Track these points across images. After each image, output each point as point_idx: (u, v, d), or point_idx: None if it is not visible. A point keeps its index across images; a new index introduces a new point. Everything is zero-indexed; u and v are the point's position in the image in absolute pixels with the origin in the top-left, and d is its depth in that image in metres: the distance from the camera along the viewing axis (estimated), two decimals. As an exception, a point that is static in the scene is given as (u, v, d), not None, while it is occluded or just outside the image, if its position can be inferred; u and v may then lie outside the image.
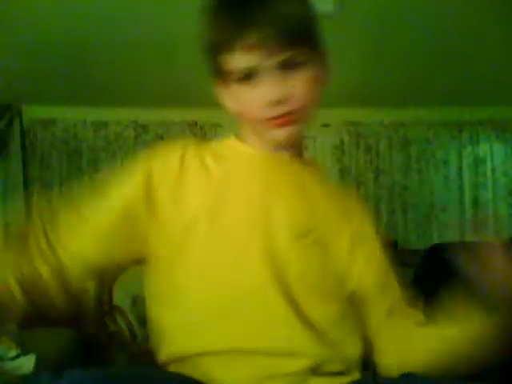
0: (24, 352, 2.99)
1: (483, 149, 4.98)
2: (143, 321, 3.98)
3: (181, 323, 0.90)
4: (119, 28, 3.23)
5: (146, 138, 4.84)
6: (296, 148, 0.99)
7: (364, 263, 0.97)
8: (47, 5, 2.92)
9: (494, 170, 4.94)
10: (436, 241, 4.70)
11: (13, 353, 2.93)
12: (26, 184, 4.71)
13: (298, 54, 0.87)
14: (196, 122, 4.79)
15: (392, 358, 0.98)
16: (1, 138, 4.56)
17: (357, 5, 2.94)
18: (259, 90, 0.88)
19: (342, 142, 4.91)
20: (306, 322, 0.88)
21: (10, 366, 2.88)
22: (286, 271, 0.89)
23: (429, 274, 3.93)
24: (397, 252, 4.36)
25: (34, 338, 3.54)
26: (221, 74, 0.92)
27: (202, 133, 4.82)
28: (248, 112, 0.91)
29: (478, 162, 4.97)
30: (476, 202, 4.94)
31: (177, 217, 0.92)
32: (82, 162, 4.82)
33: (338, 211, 0.99)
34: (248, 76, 0.88)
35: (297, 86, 0.88)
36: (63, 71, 3.83)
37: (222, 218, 0.91)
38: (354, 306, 0.96)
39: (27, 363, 2.92)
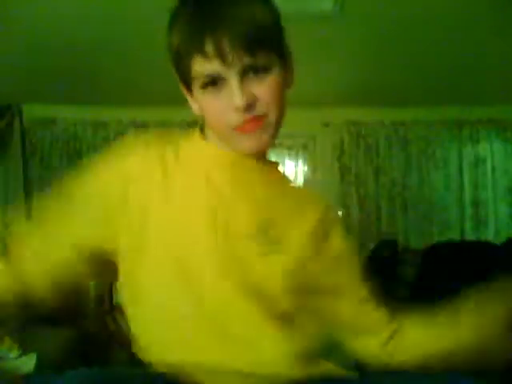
0: (25, 352, 3.00)
1: (483, 148, 4.98)
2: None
3: (146, 325, 0.92)
4: (120, 27, 3.23)
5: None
6: (260, 152, 0.95)
7: (321, 260, 0.97)
8: (47, 4, 2.92)
9: (494, 169, 4.95)
10: (436, 240, 4.71)
11: (14, 353, 2.94)
12: (27, 184, 4.72)
13: (262, 58, 0.84)
14: (196, 122, 4.78)
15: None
16: (1, 137, 4.56)
17: (356, 5, 2.94)
18: (223, 96, 0.85)
19: (342, 141, 4.91)
20: (268, 316, 0.88)
21: (11, 365, 2.88)
22: (243, 267, 0.88)
23: (429, 273, 3.94)
24: (397, 251, 4.37)
25: (35, 338, 3.55)
26: (185, 80, 0.90)
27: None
28: (214, 120, 0.90)
29: (478, 161, 4.97)
30: (476, 201, 4.94)
31: (136, 215, 0.91)
32: (82, 162, 4.80)
33: (295, 209, 0.97)
34: (211, 83, 0.85)
35: (262, 91, 0.86)
36: (63, 71, 3.83)
37: (176, 215, 0.90)
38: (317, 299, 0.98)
39: (28, 363, 2.93)
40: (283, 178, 1.04)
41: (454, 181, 4.96)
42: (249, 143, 0.89)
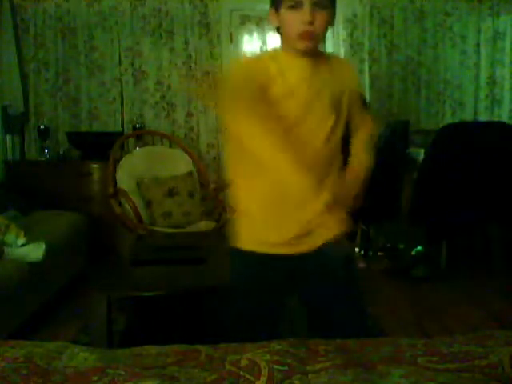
0: (32, 239, 2.98)
1: (503, 22, 4.72)
2: (148, 203, 3.99)
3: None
4: None
5: (142, 11, 4.55)
6: (314, 52, 1.58)
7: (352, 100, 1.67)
8: None
9: (513, 45, 4.70)
10: (449, 120, 4.57)
11: (21, 240, 2.92)
12: (21, 64, 4.50)
13: (324, 0, 1.49)
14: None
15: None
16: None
17: None
18: (299, 15, 1.47)
19: (355, 15, 4.59)
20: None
21: (18, 253, 2.87)
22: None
23: (439, 154, 3.86)
24: (408, 132, 4.24)
25: (41, 223, 3.54)
26: (276, 3, 1.52)
27: (203, 4, 4.54)
28: (288, 29, 1.51)
29: (496, 36, 4.73)
30: (492, 80, 4.76)
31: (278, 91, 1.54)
32: (77, 40, 4.57)
33: (341, 78, 1.63)
34: (293, 6, 1.48)
35: (319, 18, 1.48)
36: None
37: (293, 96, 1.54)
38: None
39: (36, 251, 2.91)
40: (329, 59, 1.67)
41: (471, 58, 4.75)
42: (305, 45, 1.51)
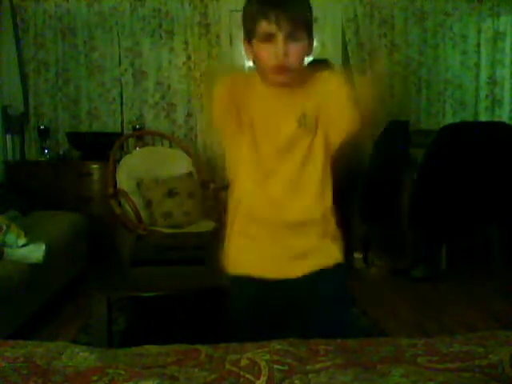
0: (32, 240, 2.97)
1: (503, 22, 4.72)
2: (148, 203, 3.98)
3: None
4: None
5: (142, 11, 4.55)
6: (292, 78, 1.46)
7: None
8: None
9: (513, 45, 4.70)
10: (449, 121, 4.57)
11: (22, 240, 2.92)
12: (22, 65, 4.50)
13: (299, 31, 1.38)
14: (197, -5, 4.51)
15: None
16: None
17: None
18: (272, 47, 1.38)
19: (356, 15, 4.59)
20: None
21: (19, 254, 2.86)
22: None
23: (440, 154, 3.86)
24: (408, 132, 4.24)
25: (41, 223, 3.54)
26: (249, 35, 1.42)
27: (203, 4, 4.54)
28: (262, 63, 1.42)
29: (497, 36, 4.73)
30: (492, 80, 4.75)
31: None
32: (77, 40, 4.57)
33: (317, 97, 1.49)
34: (267, 38, 1.38)
35: (294, 51, 1.39)
36: None
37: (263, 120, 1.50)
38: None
39: (36, 252, 2.90)
40: (310, 79, 1.51)
41: (471, 58, 4.75)
42: (279, 79, 1.43)
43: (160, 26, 4.56)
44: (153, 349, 1.22)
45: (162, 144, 4.48)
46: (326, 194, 1.50)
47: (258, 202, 1.49)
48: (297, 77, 1.45)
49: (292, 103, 1.49)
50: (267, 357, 1.13)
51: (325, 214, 1.49)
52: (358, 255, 4.29)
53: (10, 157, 4.53)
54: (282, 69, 1.39)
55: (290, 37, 1.37)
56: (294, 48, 1.38)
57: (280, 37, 1.36)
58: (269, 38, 1.37)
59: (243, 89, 1.49)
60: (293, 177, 1.47)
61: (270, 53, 1.38)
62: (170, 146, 4.41)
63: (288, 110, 1.48)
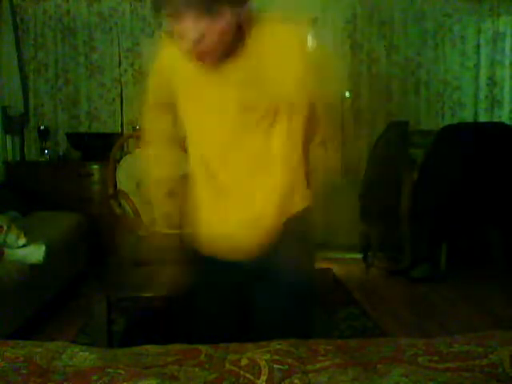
0: (32, 240, 2.97)
1: (503, 23, 4.73)
2: (148, 204, 3.96)
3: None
4: None
5: (142, 12, 4.55)
6: (229, 50, 1.17)
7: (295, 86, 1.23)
8: None
9: (512, 46, 4.70)
10: (449, 121, 4.57)
11: (22, 241, 2.91)
12: (22, 65, 4.50)
13: (213, 2, 1.05)
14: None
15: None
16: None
17: None
18: (182, 27, 1.09)
19: (355, 16, 4.59)
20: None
21: (19, 255, 2.86)
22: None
23: (439, 155, 3.86)
24: (408, 133, 4.24)
25: (41, 223, 3.54)
26: (156, 9, 1.19)
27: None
28: (179, 44, 1.15)
29: (496, 37, 4.73)
30: (492, 81, 4.76)
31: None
32: (77, 41, 4.57)
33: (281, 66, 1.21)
34: (172, 15, 1.10)
35: (210, 29, 1.07)
36: None
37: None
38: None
39: (36, 253, 2.90)
40: (260, 46, 1.19)
41: (471, 58, 4.76)
42: (199, 63, 1.16)
43: (160, 26, 4.56)
44: (153, 349, 1.22)
45: (162, 144, 4.47)
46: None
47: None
48: (231, 50, 1.16)
49: (230, 89, 1.21)
50: (267, 356, 1.13)
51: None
52: (357, 255, 4.29)
53: (10, 157, 4.53)
54: (197, 55, 1.13)
55: (201, 11, 1.05)
56: (210, 25, 1.06)
57: (188, 15, 1.06)
58: (175, 15, 1.09)
59: (172, 70, 1.32)
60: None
61: (182, 35, 1.10)
62: (170, 147, 4.40)
63: (226, 97, 1.23)
